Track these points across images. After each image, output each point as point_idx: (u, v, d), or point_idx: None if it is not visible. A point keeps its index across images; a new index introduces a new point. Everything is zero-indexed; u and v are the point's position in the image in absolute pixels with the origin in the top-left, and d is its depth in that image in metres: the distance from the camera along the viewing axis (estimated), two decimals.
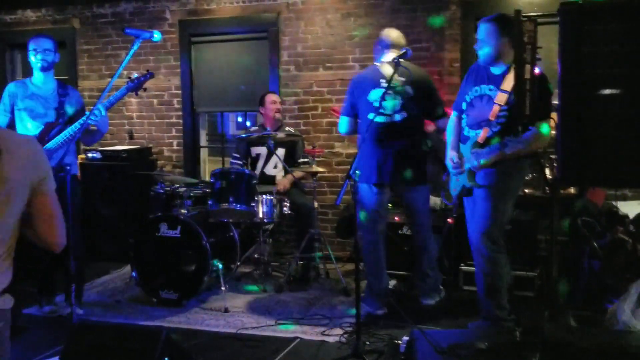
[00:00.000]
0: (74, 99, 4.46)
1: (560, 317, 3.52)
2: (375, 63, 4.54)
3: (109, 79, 6.70)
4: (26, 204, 2.01)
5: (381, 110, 4.30)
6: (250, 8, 6.36)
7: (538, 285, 4.72)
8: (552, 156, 5.40)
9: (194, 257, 4.67)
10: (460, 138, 4.06)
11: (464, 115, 4.04)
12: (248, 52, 6.54)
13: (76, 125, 4.16)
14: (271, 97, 5.70)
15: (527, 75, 2.72)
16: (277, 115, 5.71)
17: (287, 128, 5.80)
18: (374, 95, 4.36)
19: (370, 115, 4.29)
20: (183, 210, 4.89)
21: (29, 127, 4.30)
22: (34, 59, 4.33)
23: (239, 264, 5.24)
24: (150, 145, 6.81)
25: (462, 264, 4.99)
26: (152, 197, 5.11)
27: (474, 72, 4.05)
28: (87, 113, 4.06)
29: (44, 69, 4.35)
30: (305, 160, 5.66)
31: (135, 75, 4.21)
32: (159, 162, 6.76)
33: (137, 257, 4.81)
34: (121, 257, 5.71)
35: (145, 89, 4.37)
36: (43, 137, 4.20)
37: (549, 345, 2.80)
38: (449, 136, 4.18)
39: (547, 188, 4.81)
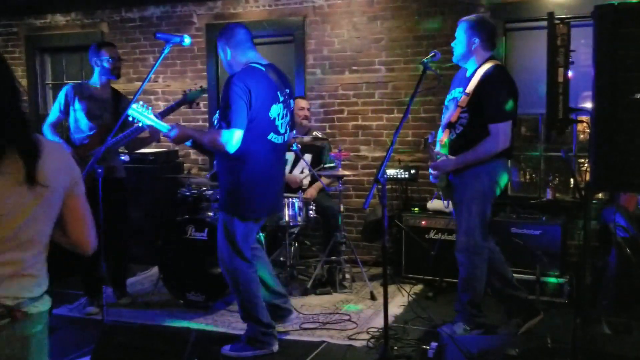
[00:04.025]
0: (126, 105, 4.42)
1: (593, 324, 3.47)
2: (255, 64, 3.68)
3: (137, 83, 6.82)
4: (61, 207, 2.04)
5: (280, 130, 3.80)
6: (276, 12, 6.38)
7: (568, 291, 4.67)
8: (581, 160, 5.34)
9: None
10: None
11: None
12: (274, 56, 6.53)
13: (131, 129, 4.26)
14: (300, 103, 5.57)
15: (561, 79, 2.69)
16: (305, 122, 5.66)
17: (314, 132, 5.75)
18: (274, 111, 3.71)
19: (271, 136, 3.71)
20: (210, 213, 4.91)
21: (84, 127, 4.43)
22: (111, 67, 4.55)
23: None
24: (177, 148, 6.85)
25: None
26: (179, 199, 5.14)
27: (456, 76, 4.02)
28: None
29: (118, 77, 4.64)
30: (332, 165, 5.64)
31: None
32: (185, 165, 6.80)
33: (165, 259, 4.84)
34: (148, 259, 5.77)
35: (197, 103, 4.61)
36: (97, 139, 4.26)
37: (581, 353, 2.76)
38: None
39: (577, 193, 4.75)
